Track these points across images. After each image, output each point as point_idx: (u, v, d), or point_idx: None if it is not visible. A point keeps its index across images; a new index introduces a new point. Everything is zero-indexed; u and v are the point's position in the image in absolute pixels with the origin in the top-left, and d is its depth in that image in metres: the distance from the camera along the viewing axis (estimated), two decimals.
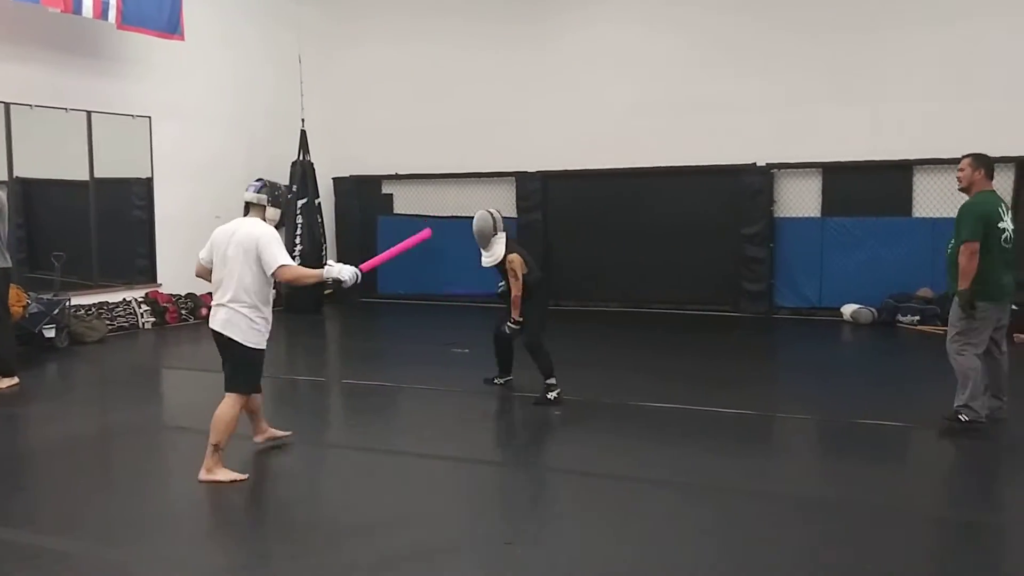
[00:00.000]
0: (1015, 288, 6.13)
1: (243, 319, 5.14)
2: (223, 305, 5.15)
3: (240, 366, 5.23)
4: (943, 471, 5.63)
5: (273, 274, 5.13)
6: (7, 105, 9.85)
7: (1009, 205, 6.17)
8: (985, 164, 6.04)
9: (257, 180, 5.44)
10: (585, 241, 12.82)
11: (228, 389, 5.23)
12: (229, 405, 5.19)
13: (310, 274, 5.38)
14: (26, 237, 10.33)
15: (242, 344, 5.16)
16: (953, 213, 6.19)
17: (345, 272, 5.15)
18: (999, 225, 5.91)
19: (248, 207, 5.34)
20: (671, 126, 12.12)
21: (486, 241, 6.91)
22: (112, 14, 10.04)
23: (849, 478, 5.32)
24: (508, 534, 4.41)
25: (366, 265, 5.48)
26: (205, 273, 5.36)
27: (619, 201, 12.58)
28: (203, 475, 5.09)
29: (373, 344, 11.19)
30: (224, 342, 5.19)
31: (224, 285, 5.15)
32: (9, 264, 7.83)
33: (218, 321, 5.17)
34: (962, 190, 6.14)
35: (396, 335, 11.88)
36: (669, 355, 9.50)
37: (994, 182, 6.15)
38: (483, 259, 6.99)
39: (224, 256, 5.15)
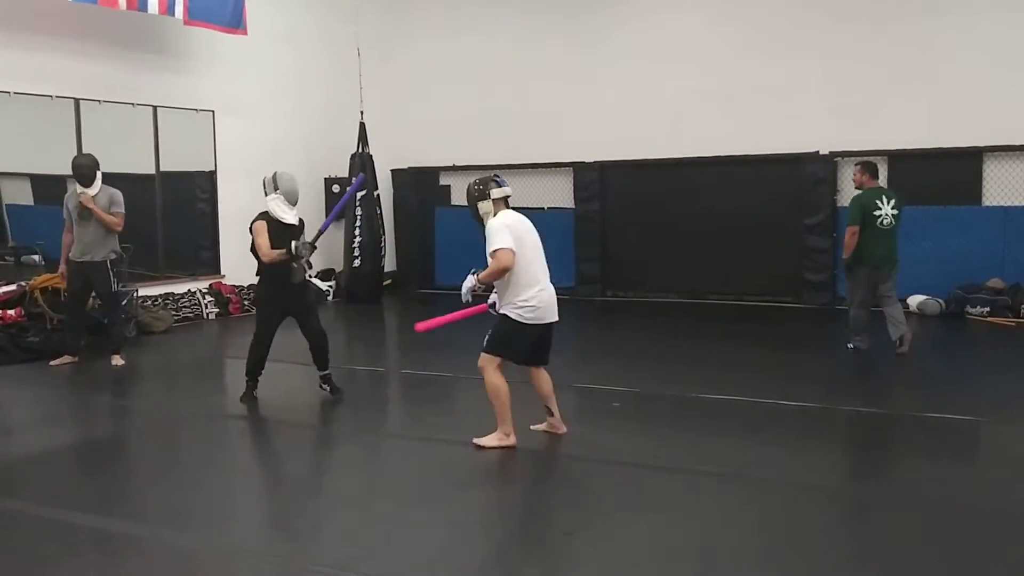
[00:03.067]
0: (893, 258, 8.32)
1: None
2: (546, 290, 5.49)
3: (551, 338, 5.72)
4: (1014, 465, 5.47)
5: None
6: (77, 101, 10.12)
7: (891, 195, 8.36)
8: (870, 169, 8.46)
9: (498, 176, 5.64)
10: (643, 231, 12.72)
11: (547, 362, 5.70)
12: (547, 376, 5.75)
13: None
14: None
15: None
16: None
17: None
18: (875, 213, 8.16)
19: (502, 202, 5.53)
20: (730, 114, 11.94)
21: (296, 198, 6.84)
22: (179, 10, 10.24)
23: (914, 474, 5.20)
24: (567, 525, 4.40)
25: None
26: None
27: (678, 191, 12.44)
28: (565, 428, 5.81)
29: (431, 335, 11.20)
30: (550, 326, 5.59)
31: (542, 272, 5.52)
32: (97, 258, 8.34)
33: (552, 310, 5.53)
34: (857, 188, 8.46)
35: (453, 326, 11.91)
36: (729, 347, 9.37)
37: None
38: (291, 217, 6.74)
39: (534, 246, 5.50)
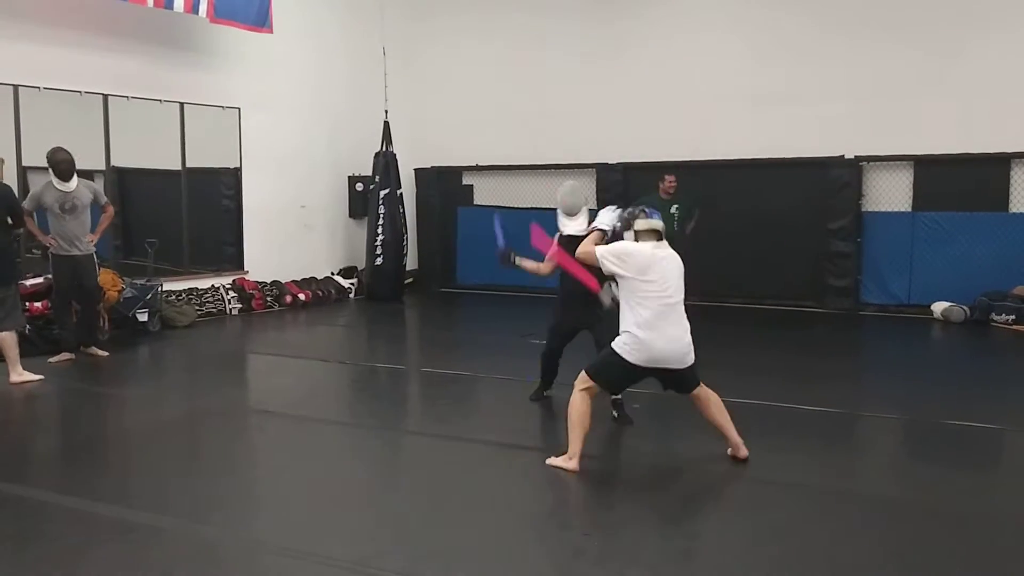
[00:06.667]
0: None
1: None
2: (683, 336, 5.15)
3: (696, 369, 5.32)
4: None
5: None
6: (105, 97, 10.23)
7: None
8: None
9: (648, 209, 5.48)
10: None
11: (687, 391, 5.35)
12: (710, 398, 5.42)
13: None
14: (121, 224, 10.71)
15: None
16: None
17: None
18: None
19: (646, 234, 5.27)
20: (755, 117, 11.89)
21: (577, 210, 6.55)
22: (203, 8, 10.33)
23: (934, 480, 5.16)
24: (585, 526, 4.41)
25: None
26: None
27: (701, 194, 12.39)
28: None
29: (451, 333, 11.29)
30: (683, 370, 5.22)
31: (677, 312, 5.14)
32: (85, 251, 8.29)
33: (681, 356, 5.15)
34: (671, 194, 10.16)
35: (474, 324, 11.97)
36: (750, 351, 9.33)
37: None
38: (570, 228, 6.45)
39: (676, 286, 5.16)
